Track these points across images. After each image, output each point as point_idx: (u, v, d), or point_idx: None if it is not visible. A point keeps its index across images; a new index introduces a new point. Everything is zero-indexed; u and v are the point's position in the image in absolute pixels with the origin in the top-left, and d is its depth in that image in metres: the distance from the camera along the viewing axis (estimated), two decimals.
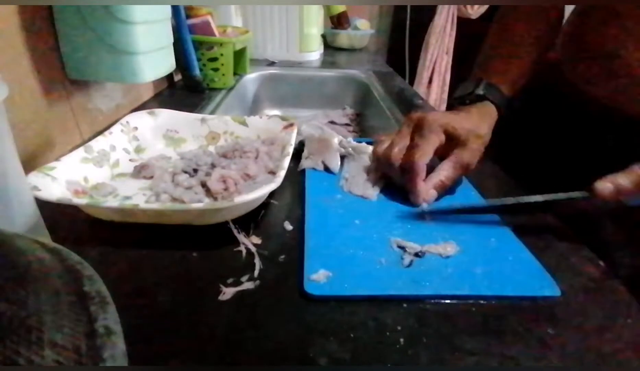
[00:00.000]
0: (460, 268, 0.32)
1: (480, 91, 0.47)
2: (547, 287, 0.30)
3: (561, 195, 0.36)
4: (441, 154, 0.43)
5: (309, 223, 0.37)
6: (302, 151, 0.50)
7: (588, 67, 0.50)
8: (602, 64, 0.48)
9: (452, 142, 0.42)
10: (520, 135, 0.61)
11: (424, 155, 0.40)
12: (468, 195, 0.44)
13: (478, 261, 0.33)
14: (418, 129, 0.42)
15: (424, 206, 0.40)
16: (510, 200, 0.38)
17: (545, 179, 0.48)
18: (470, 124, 0.43)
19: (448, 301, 0.29)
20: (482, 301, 0.29)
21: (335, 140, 0.50)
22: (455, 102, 0.49)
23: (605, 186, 0.33)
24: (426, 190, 0.40)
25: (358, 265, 0.32)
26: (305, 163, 0.48)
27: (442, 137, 0.42)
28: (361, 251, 0.33)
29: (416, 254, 0.33)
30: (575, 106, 0.52)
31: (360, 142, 0.51)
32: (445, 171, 0.42)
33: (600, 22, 0.48)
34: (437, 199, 0.42)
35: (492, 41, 0.53)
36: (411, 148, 0.41)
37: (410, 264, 0.32)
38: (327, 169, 0.48)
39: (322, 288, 0.29)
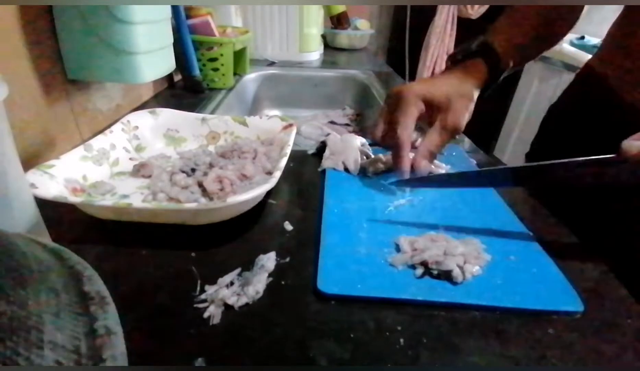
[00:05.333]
0: (479, 277, 0.31)
1: (473, 47, 0.46)
2: (570, 302, 0.29)
3: (589, 158, 0.31)
4: (429, 123, 0.44)
5: (325, 222, 0.37)
6: (324, 151, 0.51)
7: (636, 77, 0.45)
8: None
9: (434, 109, 0.42)
10: (560, 144, 0.57)
11: (406, 129, 0.41)
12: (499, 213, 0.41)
13: (499, 272, 0.31)
14: (396, 105, 0.43)
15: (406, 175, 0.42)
16: (531, 165, 0.35)
17: (583, 194, 0.47)
18: (450, 86, 0.43)
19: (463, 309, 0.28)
20: (497, 313, 0.28)
21: (357, 142, 0.51)
22: (448, 61, 0.49)
23: (634, 144, 0.29)
24: (417, 162, 0.41)
25: (372, 267, 0.31)
26: (325, 163, 0.49)
27: (421, 106, 0.42)
28: (377, 253, 0.33)
29: (438, 276, 0.31)
30: (622, 117, 0.47)
31: None
32: (430, 139, 0.42)
33: None
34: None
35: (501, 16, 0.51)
36: (392, 124, 0.42)
37: (422, 276, 0.31)
38: (346, 169, 0.48)
39: (336, 288, 0.29)
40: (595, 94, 0.51)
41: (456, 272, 0.30)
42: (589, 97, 0.53)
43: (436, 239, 0.34)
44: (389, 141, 0.43)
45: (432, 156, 0.42)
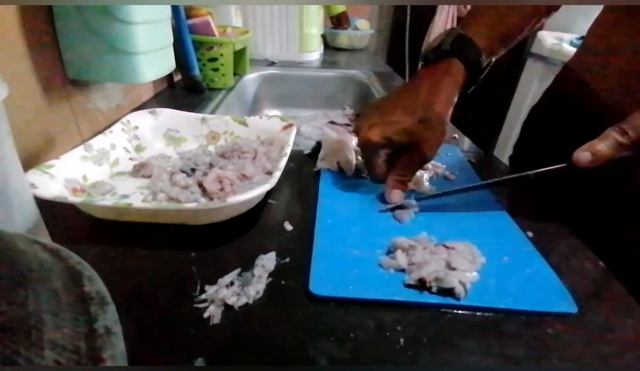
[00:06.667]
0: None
1: (446, 46, 0.40)
2: (563, 303, 0.29)
3: (544, 169, 0.35)
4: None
5: (319, 223, 0.37)
6: (320, 151, 0.50)
7: (611, 76, 0.45)
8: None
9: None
10: (541, 146, 0.57)
11: (375, 169, 0.41)
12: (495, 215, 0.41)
13: (493, 273, 0.31)
14: (362, 150, 0.42)
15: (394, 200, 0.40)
16: (496, 179, 0.39)
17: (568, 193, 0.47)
18: (412, 114, 0.38)
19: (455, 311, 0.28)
20: (489, 314, 0.28)
21: (353, 142, 0.50)
22: (421, 59, 0.44)
23: (582, 154, 0.32)
24: (388, 194, 0.40)
25: (365, 268, 0.31)
26: (320, 164, 0.49)
27: (386, 151, 0.41)
28: (369, 255, 0.33)
29: (429, 288, 0.29)
30: (599, 117, 0.45)
31: None
32: (397, 172, 0.40)
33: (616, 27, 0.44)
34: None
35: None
36: (365, 163, 0.42)
37: (414, 284, 0.30)
38: (341, 170, 0.48)
39: (327, 289, 0.29)
40: (573, 94, 0.51)
41: (459, 290, 0.28)
42: (568, 98, 0.53)
43: (435, 251, 0.33)
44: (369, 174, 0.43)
45: (403, 185, 0.41)
